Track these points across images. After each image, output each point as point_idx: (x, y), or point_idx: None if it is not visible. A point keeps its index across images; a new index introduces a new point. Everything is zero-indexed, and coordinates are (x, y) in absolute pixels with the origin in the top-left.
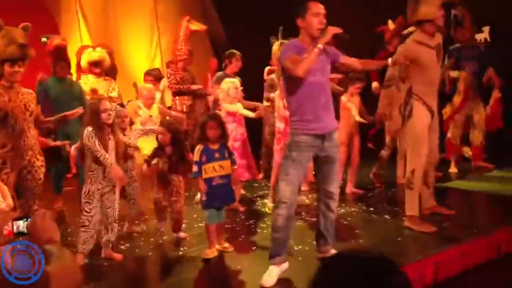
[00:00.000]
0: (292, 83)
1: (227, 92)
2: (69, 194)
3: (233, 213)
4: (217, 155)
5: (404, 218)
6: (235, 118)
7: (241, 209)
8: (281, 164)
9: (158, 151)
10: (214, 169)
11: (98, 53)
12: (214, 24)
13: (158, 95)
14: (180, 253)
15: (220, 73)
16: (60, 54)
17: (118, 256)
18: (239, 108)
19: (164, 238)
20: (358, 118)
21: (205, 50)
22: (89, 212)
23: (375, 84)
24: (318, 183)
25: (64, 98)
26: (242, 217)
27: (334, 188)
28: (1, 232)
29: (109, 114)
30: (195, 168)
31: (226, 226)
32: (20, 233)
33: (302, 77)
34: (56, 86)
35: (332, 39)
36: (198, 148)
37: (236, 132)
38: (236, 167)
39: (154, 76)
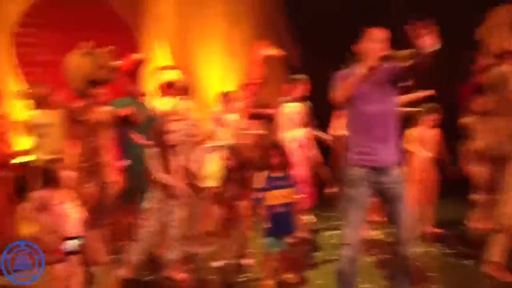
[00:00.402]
0: (349, 114)
1: (289, 117)
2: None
3: (300, 243)
4: (279, 183)
5: (485, 264)
6: (300, 143)
7: (307, 237)
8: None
9: (225, 176)
10: (276, 197)
11: (174, 74)
12: (287, 48)
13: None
14: (241, 279)
15: (283, 98)
16: (136, 73)
17: (180, 276)
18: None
19: (227, 261)
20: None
21: (278, 75)
22: (146, 228)
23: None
24: (390, 224)
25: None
26: (313, 247)
27: (403, 230)
28: (52, 250)
29: (174, 136)
30: (257, 195)
31: (291, 257)
32: (70, 252)
33: (341, 102)
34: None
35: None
36: (261, 175)
37: (301, 158)
38: (300, 196)
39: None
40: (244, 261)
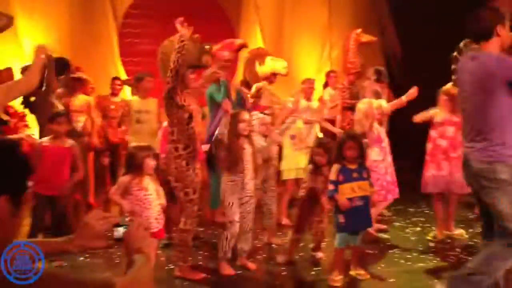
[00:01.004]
0: (494, 98)
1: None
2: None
3: (374, 239)
4: (355, 175)
5: None
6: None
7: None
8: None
9: (314, 172)
10: (352, 190)
11: (284, 67)
12: (389, 38)
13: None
14: (313, 273)
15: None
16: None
17: (252, 266)
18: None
19: (300, 254)
20: None
21: (376, 64)
22: (232, 222)
23: None
24: None
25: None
26: (387, 243)
27: None
28: (103, 236)
29: (248, 125)
30: (331, 187)
31: (364, 252)
32: (118, 239)
33: None
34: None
35: None
36: (335, 167)
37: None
38: (375, 189)
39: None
40: (317, 255)
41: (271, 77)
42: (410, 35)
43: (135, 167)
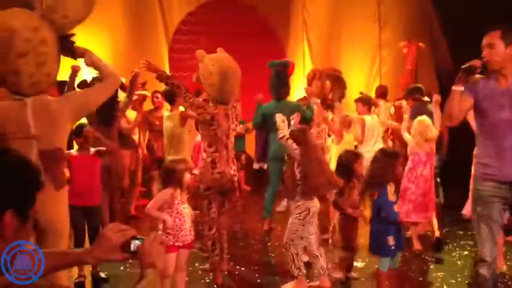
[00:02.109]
0: (478, 121)
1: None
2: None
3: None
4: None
5: None
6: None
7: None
8: (473, 220)
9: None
10: None
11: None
12: (441, 52)
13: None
14: None
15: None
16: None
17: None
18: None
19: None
20: None
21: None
22: (311, 234)
23: None
24: None
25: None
26: (431, 266)
27: None
28: (117, 248)
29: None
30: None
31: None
32: (134, 252)
33: (452, 125)
34: (272, 107)
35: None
36: (393, 186)
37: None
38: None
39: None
40: (352, 275)
41: None
42: (462, 49)
43: (175, 181)
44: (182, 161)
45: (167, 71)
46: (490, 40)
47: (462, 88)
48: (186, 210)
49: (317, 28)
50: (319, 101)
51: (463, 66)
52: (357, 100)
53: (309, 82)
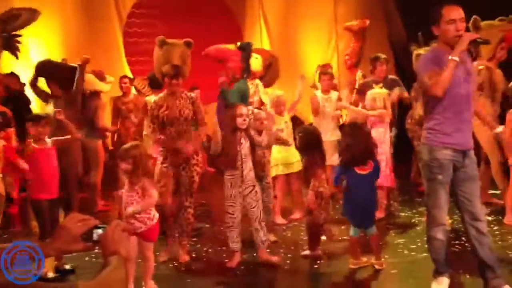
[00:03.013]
0: (432, 96)
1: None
2: None
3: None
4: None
5: None
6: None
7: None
8: (428, 187)
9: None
10: None
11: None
12: (396, 28)
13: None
14: (316, 266)
15: (365, 80)
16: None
17: (274, 258)
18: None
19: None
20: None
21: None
22: (232, 214)
23: None
24: (460, 206)
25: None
26: (392, 234)
27: (479, 208)
28: (78, 239)
29: (244, 120)
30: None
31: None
32: (96, 241)
33: (440, 96)
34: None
35: (469, 45)
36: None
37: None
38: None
39: (330, 75)
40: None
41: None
42: (415, 22)
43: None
44: (137, 145)
45: (123, 56)
46: (462, 15)
47: (457, 59)
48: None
49: (273, 6)
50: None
51: (474, 38)
52: (324, 73)
53: None
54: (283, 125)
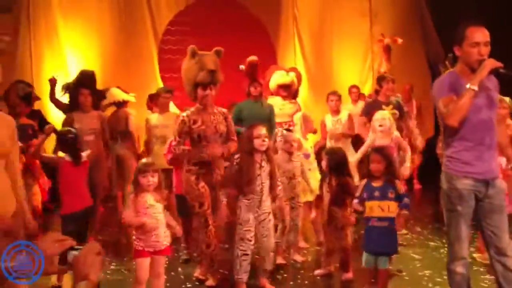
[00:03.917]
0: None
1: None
2: None
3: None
4: (377, 193)
5: None
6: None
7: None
8: (447, 218)
9: (322, 180)
10: (372, 209)
11: (289, 78)
12: (433, 46)
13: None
14: None
15: (370, 100)
16: (253, 74)
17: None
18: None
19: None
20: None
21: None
22: (250, 241)
23: None
24: (486, 240)
25: (254, 119)
26: (418, 265)
27: (506, 243)
28: (53, 260)
29: (263, 141)
30: (355, 202)
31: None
32: (70, 264)
33: (456, 126)
34: (248, 107)
35: (490, 74)
36: (361, 182)
37: None
38: (404, 211)
39: (338, 95)
40: (345, 275)
41: (280, 91)
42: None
43: (135, 183)
44: (145, 164)
45: (157, 72)
46: (487, 38)
47: (477, 88)
48: (158, 215)
49: (308, 24)
50: None
51: (497, 67)
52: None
53: None
54: (310, 150)
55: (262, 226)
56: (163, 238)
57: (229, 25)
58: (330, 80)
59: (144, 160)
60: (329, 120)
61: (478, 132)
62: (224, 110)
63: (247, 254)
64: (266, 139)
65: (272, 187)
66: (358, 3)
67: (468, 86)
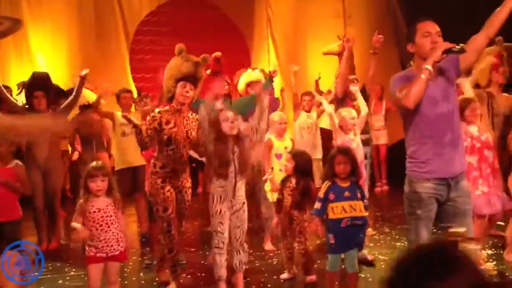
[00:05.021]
0: (409, 118)
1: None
2: None
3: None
4: (346, 193)
5: None
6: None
7: (370, 258)
8: (408, 221)
9: (283, 183)
10: (343, 209)
11: (257, 74)
12: (403, 38)
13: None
14: None
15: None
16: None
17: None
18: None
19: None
20: None
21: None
22: (222, 234)
23: None
24: None
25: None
26: (383, 266)
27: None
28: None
29: (232, 122)
30: (317, 205)
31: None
32: None
33: (412, 108)
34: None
35: (444, 56)
36: (325, 184)
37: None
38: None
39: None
40: (308, 278)
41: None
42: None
43: (84, 188)
44: (94, 168)
45: (128, 72)
46: (437, 29)
47: (431, 68)
48: (108, 219)
49: (281, 25)
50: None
51: (450, 47)
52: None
53: None
54: (282, 151)
55: (237, 216)
56: (115, 243)
57: (202, 25)
58: (304, 81)
59: (94, 163)
60: (303, 115)
61: (436, 127)
62: (197, 116)
63: (220, 247)
64: (235, 122)
65: (242, 171)
66: (331, 5)
67: (423, 66)
